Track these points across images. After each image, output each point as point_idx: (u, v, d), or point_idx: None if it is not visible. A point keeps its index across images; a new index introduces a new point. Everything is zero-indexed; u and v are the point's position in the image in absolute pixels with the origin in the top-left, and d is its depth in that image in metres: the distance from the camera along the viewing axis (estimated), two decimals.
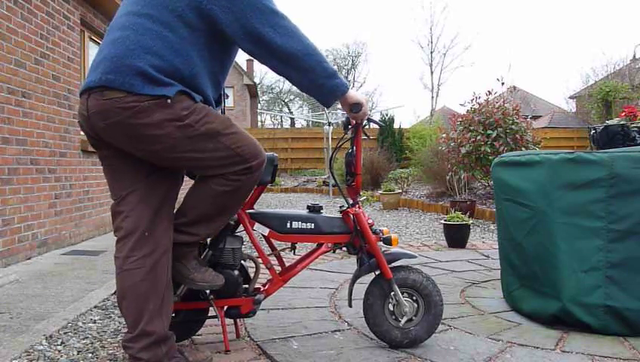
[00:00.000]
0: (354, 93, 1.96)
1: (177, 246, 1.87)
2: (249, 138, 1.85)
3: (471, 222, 4.98)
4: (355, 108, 1.97)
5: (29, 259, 4.17)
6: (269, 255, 2.14)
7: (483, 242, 5.06)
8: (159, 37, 1.69)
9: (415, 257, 2.27)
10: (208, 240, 2.07)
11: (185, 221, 1.88)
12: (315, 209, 2.19)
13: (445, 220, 4.90)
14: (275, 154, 2.14)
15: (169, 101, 1.67)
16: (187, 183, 1.90)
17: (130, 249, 1.75)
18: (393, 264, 2.15)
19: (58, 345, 2.25)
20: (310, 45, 1.81)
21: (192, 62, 1.74)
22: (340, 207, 2.22)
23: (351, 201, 2.18)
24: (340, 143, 2.23)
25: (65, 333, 2.40)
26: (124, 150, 1.78)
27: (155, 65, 1.67)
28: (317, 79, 1.84)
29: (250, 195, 2.18)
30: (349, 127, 2.14)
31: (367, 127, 2.21)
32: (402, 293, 2.15)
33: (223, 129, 1.78)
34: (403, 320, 2.14)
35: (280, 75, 1.90)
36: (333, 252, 2.22)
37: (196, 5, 1.71)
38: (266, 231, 2.13)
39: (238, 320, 2.25)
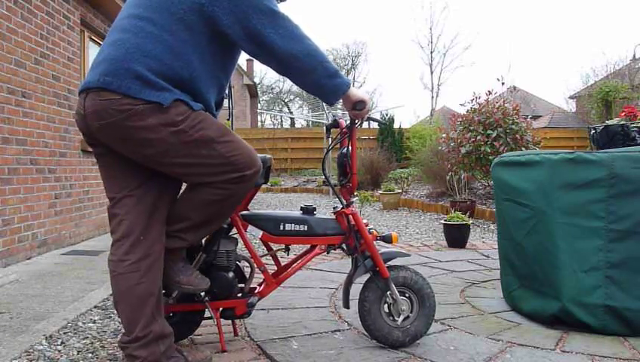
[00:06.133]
0: (356, 91, 1.95)
1: (166, 249, 1.86)
2: (245, 147, 1.84)
3: (471, 222, 4.99)
4: (358, 105, 1.96)
5: (29, 259, 4.17)
6: (264, 255, 2.13)
7: (483, 242, 5.06)
8: (159, 40, 1.69)
9: (409, 256, 2.27)
10: (203, 241, 2.06)
11: (176, 227, 1.87)
12: (308, 210, 2.18)
13: (445, 220, 4.91)
14: (268, 156, 2.12)
15: (164, 106, 1.67)
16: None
17: (124, 252, 1.75)
18: (388, 263, 2.15)
19: (58, 345, 2.25)
20: (311, 45, 1.81)
21: (192, 66, 1.74)
22: (334, 208, 2.21)
23: (345, 202, 2.17)
24: (332, 144, 2.22)
25: (65, 333, 2.40)
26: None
27: (154, 68, 1.67)
28: (319, 79, 1.84)
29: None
30: (343, 128, 2.12)
31: (360, 126, 2.19)
32: None
33: (217, 136, 1.77)
34: (400, 319, 2.14)
35: (282, 75, 1.90)
36: (327, 253, 2.21)
37: (198, 8, 1.71)
38: (260, 233, 2.12)
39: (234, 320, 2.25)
